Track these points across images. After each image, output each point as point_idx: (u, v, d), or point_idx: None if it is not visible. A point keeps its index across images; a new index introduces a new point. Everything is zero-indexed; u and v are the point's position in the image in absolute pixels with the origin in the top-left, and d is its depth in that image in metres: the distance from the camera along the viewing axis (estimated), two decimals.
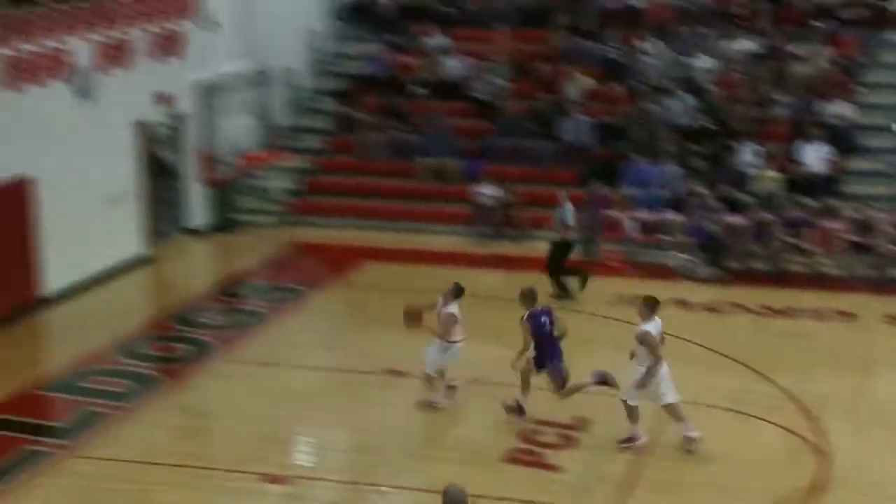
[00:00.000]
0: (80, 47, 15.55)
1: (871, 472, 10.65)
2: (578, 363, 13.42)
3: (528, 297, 11.79)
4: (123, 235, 16.63)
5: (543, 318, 11.65)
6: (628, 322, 14.65)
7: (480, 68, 20.74)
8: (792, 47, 20.21)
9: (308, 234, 18.89)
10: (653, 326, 10.95)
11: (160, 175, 18.15)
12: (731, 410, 12.11)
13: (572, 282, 15.72)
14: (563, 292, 15.54)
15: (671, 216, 17.55)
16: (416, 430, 11.56)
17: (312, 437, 11.78)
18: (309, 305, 15.53)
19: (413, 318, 11.97)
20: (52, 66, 15.05)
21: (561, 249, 15.86)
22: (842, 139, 18.58)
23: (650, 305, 10.98)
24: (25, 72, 14.58)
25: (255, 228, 18.80)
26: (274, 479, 10.45)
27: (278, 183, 19.34)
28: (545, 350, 11.59)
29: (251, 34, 19.81)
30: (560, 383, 11.57)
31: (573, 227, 15.85)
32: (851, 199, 17.56)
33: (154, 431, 11.57)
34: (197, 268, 15.72)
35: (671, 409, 11.05)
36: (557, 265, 15.80)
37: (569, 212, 15.81)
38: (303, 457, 11.50)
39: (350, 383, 12.74)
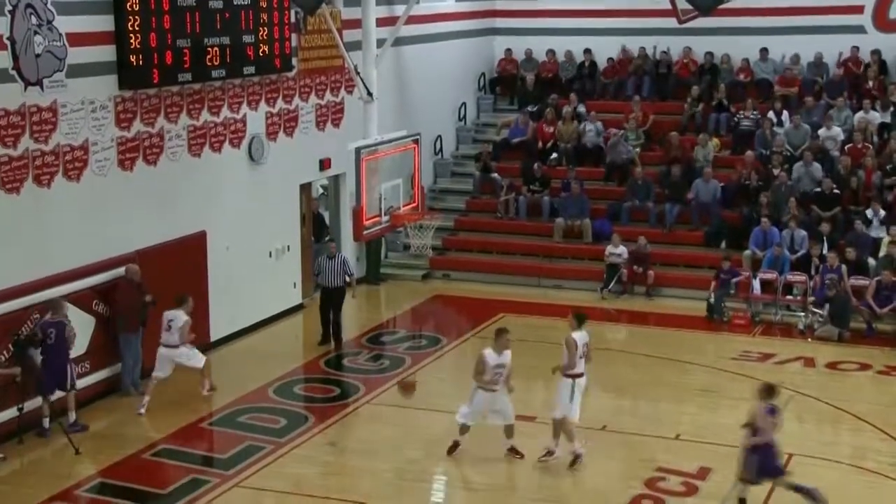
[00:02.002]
0: (253, 117, 16.26)
1: None
2: (702, 416, 13.22)
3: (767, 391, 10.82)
4: (283, 287, 17.16)
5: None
6: (752, 377, 14.40)
7: (614, 135, 20.74)
8: None
9: (449, 288, 19.12)
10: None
11: (318, 232, 18.70)
12: (855, 467, 11.71)
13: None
14: (327, 340, 15.63)
15: (797, 277, 17.09)
16: (543, 474, 11.48)
17: (444, 476, 11.83)
18: (447, 354, 15.67)
19: (407, 389, 12.03)
20: (228, 135, 15.78)
21: (341, 295, 15.74)
22: None
23: (500, 336, 11.76)
24: (205, 139, 15.33)
25: (400, 281, 19.14)
26: None
27: (423, 240, 19.67)
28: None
29: (405, 105, 20.36)
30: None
31: (353, 278, 16.03)
32: None
33: (303, 465, 11.84)
34: (346, 317, 16.11)
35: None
36: (339, 309, 15.74)
37: (350, 263, 16.17)
38: (435, 494, 11.57)
39: (482, 427, 12.72)
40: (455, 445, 11.86)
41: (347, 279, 15.74)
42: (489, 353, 11.70)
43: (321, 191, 19.81)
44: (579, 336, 11.79)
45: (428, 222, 19.69)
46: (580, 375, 11.69)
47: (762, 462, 10.45)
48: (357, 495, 11.01)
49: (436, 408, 13.50)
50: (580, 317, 11.93)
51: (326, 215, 19.23)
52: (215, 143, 15.53)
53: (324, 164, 18.09)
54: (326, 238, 17.00)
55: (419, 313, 18.02)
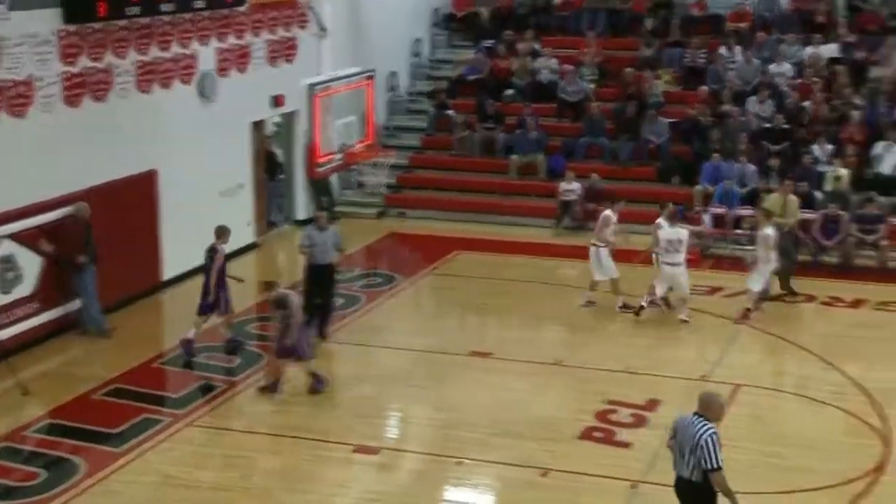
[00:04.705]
0: (204, 53, 15.81)
1: None
2: (652, 349, 13.27)
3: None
4: (236, 225, 16.81)
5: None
6: (701, 311, 14.44)
7: (569, 71, 20.50)
8: (870, 52, 19.56)
9: (403, 225, 18.93)
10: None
11: (271, 170, 18.38)
12: (800, 396, 11.86)
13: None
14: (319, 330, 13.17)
15: (746, 211, 17.09)
16: (498, 409, 11.46)
17: (401, 412, 11.80)
18: (402, 291, 15.55)
19: (268, 287, 12.02)
20: (178, 71, 15.34)
21: (333, 273, 13.43)
22: None
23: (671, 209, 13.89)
24: (154, 75, 14.89)
25: (354, 219, 18.86)
26: (364, 450, 10.50)
27: (377, 177, 19.45)
28: None
29: (358, 41, 19.93)
30: None
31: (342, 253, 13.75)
32: None
33: (257, 403, 11.71)
34: (300, 256, 15.86)
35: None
36: (332, 292, 13.45)
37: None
38: (391, 430, 11.53)
39: (438, 364, 12.72)
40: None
41: (338, 252, 13.44)
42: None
43: (274, 128, 19.42)
44: (609, 214, 14.26)
45: (382, 160, 19.49)
46: (602, 245, 14.27)
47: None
48: (312, 432, 10.91)
49: (391, 345, 13.46)
50: (615, 199, 14.76)
51: (280, 153, 18.89)
52: (165, 80, 15.09)
53: (277, 101, 17.70)
54: (324, 209, 14.61)
55: (374, 251, 17.82)
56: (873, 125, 18.17)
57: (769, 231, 14.12)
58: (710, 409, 7.86)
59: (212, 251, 12.77)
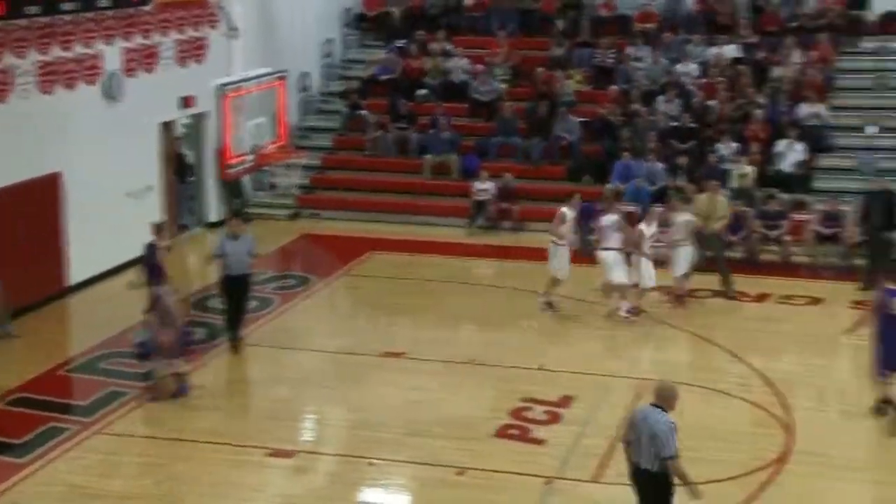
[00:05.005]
0: (109, 53, 15.47)
1: (828, 445, 10.63)
2: (565, 346, 13.41)
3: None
4: (145, 228, 16.48)
5: None
6: (606, 306, 14.65)
7: (481, 71, 20.61)
8: (771, 53, 20.10)
9: (316, 227, 18.79)
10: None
11: (181, 172, 18.06)
12: (707, 388, 12.05)
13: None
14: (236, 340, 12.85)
15: (655, 208, 17.36)
16: (411, 408, 11.45)
17: (315, 414, 11.72)
18: (315, 293, 15.44)
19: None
20: (81, 71, 14.96)
21: (248, 284, 13.00)
22: (815, 138, 18.44)
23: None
24: (57, 76, 14.49)
25: (267, 221, 18.66)
26: (278, 454, 10.39)
27: (289, 178, 19.29)
28: None
29: (269, 41, 19.72)
30: None
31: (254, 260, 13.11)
32: (822, 193, 17.46)
33: (168, 409, 11.49)
34: (211, 260, 15.61)
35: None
36: (247, 302, 12.98)
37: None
38: (305, 433, 11.44)
39: (352, 365, 12.66)
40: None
41: (251, 258, 12.88)
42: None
43: (184, 129, 19.10)
44: (568, 210, 14.29)
45: (295, 161, 19.34)
46: (560, 243, 14.17)
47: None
48: (226, 437, 10.76)
49: (305, 347, 13.35)
50: (575, 196, 14.71)
51: (190, 155, 18.57)
52: (68, 80, 14.71)
53: (186, 102, 17.41)
54: (237, 212, 14.15)
55: (287, 253, 17.66)
56: (775, 123, 18.68)
57: (686, 217, 14.63)
58: (666, 399, 8.10)
59: (151, 247, 12.62)
